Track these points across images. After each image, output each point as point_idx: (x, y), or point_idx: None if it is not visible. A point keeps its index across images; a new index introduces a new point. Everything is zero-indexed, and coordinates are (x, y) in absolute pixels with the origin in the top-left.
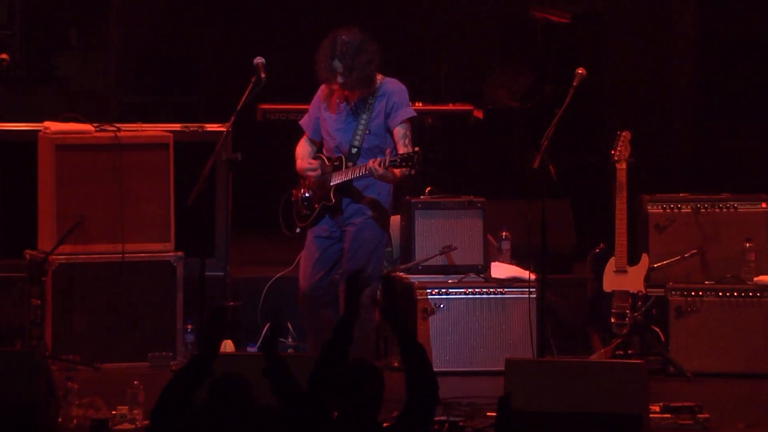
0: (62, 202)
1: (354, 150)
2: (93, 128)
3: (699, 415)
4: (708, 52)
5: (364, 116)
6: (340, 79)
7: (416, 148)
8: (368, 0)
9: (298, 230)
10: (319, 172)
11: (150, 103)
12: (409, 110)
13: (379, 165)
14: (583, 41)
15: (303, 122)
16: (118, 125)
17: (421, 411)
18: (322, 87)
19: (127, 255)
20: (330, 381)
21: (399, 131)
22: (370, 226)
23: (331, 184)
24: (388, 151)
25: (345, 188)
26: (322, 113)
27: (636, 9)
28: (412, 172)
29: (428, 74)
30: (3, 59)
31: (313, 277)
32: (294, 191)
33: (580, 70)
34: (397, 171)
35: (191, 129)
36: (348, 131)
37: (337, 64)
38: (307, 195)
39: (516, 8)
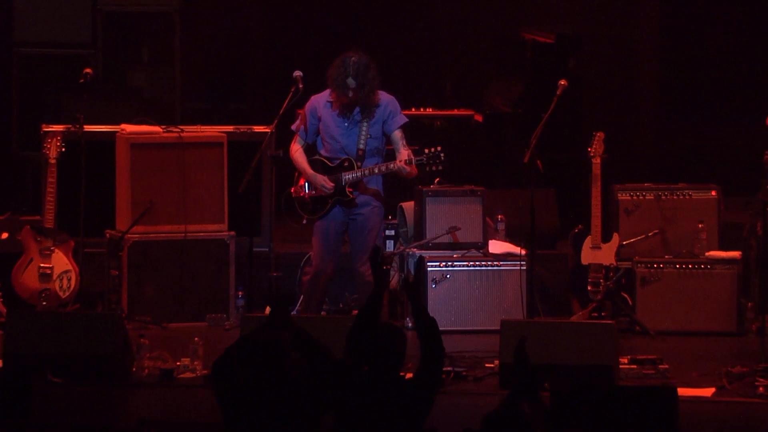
0: (135, 190)
1: (360, 152)
2: (161, 129)
3: (660, 366)
4: (670, 66)
5: (365, 123)
6: (351, 94)
7: (439, 147)
8: (385, 23)
9: (305, 221)
10: (332, 189)
11: (208, 109)
12: (403, 117)
13: (406, 164)
14: (565, 58)
15: (297, 127)
16: (181, 127)
17: (432, 369)
18: (314, 98)
19: (188, 234)
20: (364, 341)
21: (397, 134)
22: (377, 214)
23: (346, 182)
24: (408, 152)
25: (354, 184)
26: (325, 120)
27: (609, 28)
28: (441, 167)
29: (436, 85)
30: (87, 73)
31: (329, 258)
32: (293, 189)
33: (562, 82)
34: (415, 167)
35: (241, 130)
36: (352, 136)
37: (351, 82)
38: (313, 193)
39: (509, 30)
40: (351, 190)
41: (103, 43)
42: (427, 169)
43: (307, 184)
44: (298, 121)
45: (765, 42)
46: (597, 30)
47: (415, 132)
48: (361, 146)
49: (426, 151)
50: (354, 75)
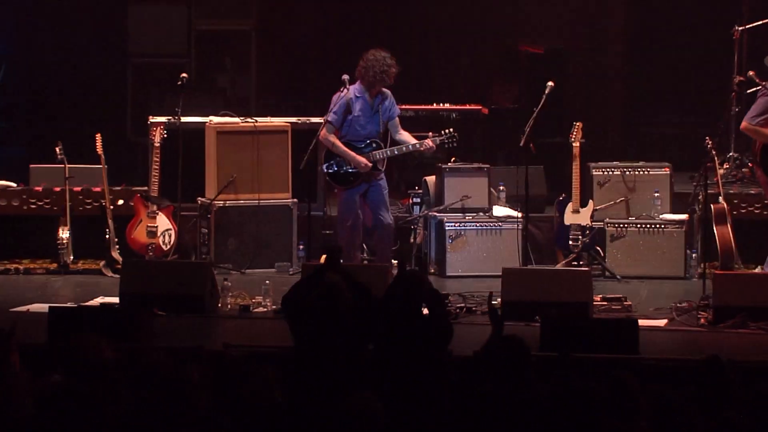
0: (220, 167)
1: (380, 135)
2: (240, 121)
3: (625, 303)
4: (634, 70)
5: (380, 113)
6: (388, 81)
7: (452, 129)
8: (412, 37)
9: (335, 191)
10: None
11: (276, 104)
12: (398, 109)
13: (432, 143)
14: (552, 65)
15: (333, 119)
16: (255, 118)
17: (438, 321)
18: (344, 94)
19: (261, 201)
20: (401, 288)
21: (396, 120)
22: (385, 180)
23: (377, 159)
24: (431, 133)
25: (382, 160)
26: (355, 112)
27: (585, 39)
28: (455, 144)
29: (452, 85)
30: (183, 77)
31: (358, 218)
32: (330, 167)
33: (550, 83)
34: (435, 145)
35: (302, 120)
36: (374, 123)
37: (394, 69)
38: (350, 169)
39: (509, 42)
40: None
41: (196, 54)
42: (446, 146)
43: (335, 163)
44: (331, 114)
45: (708, 54)
46: (576, 41)
47: (435, 121)
48: (381, 130)
49: (443, 132)
50: (392, 65)
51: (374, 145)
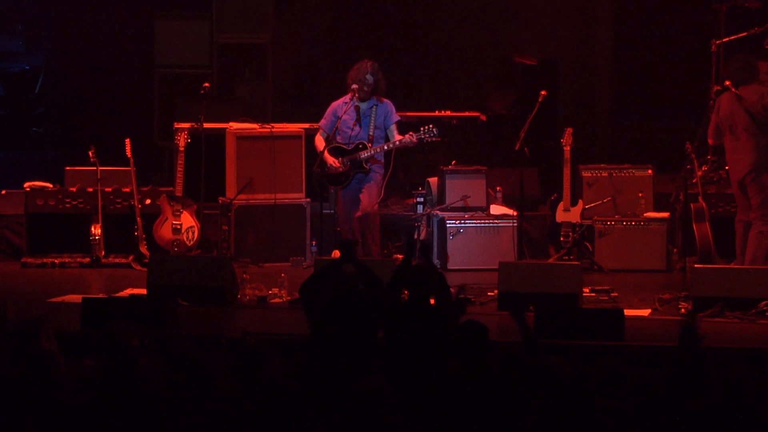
0: (240, 169)
1: (370, 137)
2: (257, 126)
3: (612, 294)
4: (620, 80)
5: (372, 117)
6: (366, 88)
7: (431, 125)
8: (416, 49)
9: (332, 191)
10: (340, 167)
11: (291, 111)
12: (397, 116)
13: (412, 137)
14: (544, 75)
15: (322, 124)
16: (272, 124)
17: (443, 305)
18: (334, 103)
19: (277, 200)
20: (407, 275)
21: (393, 127)
22: (380, 174)
23: (362, 158)
24: (411, 133)
25: (368, 159)
26: (343, 116)
27: (576, 51)
28: (435, 138)
29: (452, 92)
30: (206, 86)
31: (350, 217)
32: (316, 168)
33: (543, 92)
34: (415, 139)
35: (315, 126)
36: (364, 127)
37: (370, 78)
38: (341, 169)
39: (505, 53)
40: (366, 164)
41: (217, 64)
42: (425, 140)
43: (327, 162)
44: (323, 120)
45: (687, 64)
46: (567, 52)
47: (437, 126)
48: (371, 132)
49: (422, 128)
50: (372, 73)
51: (360, 146)
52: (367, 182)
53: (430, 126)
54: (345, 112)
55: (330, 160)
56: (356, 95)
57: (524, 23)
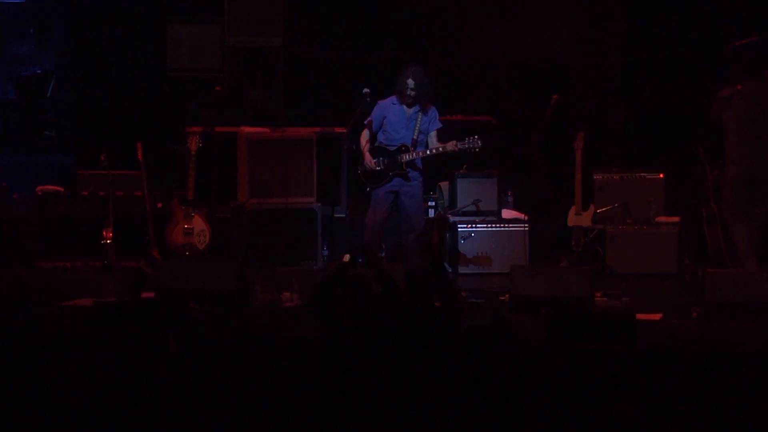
0: (251, 173)
1: (413, 141)
2: (269, 130)
3: (623, 298)
4: (630, 85)
5: (417, 122)
6: (409, 92)
7: (476, 135)
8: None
9: (368, 189)
10: (375, 167)
11: (302, 115)
12: (440, 123)
13: (455, 147)
14: (556, 79)
15: (369, 122)
16: (283, 128)
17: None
18: (381, 102)
19: (288, 204)
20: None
21: (434, 133)
22: (420, 187)
23: (403, 160)
24: (454, 141)
25: (410, 162)
26: (389, 116)
27: (586, 57)
28: (478, 150)
29: (464, 96)
30: (218, 90)
31: (383, 216)
32: (359, 167)
33: (554, 96)
34: (457, 147)
35: (326, 130)
36: (409, 129)
37: (411, 83)
38: (378, 169)
39: (517, 59)
40: (406, 167)
41: (229, 68)
42: (469, 150)
43: (367, 161)
44: (369, 118)
45: (696, 66)
46: (580, 57)
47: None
48: (415, 136)
49: (467, 138)
50: (413, 78)
51: (403, 149)
52: (411, 197)
53: (475, 137)
54: (392, 113)
55: (368, 158)
56: (403, 99)
57: (537, 26)
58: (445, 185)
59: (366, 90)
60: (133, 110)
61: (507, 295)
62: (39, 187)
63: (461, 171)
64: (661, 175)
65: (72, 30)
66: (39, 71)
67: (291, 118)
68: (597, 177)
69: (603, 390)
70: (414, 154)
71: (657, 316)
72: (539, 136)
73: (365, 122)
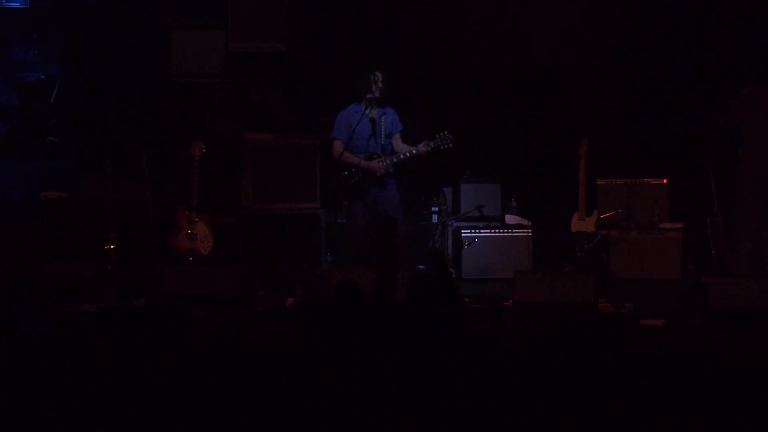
0: (255, 178)
1: (382, 147)
2: (273, 136)
3: (626, 304)
4: (630, 91)
5: (382, 125)
6: (380, 85)
7: (446, 131)
8: (431, 56)
9: (344, 203)
10: (383, 167)
11: (306, 121)
12: (401, 124)
13: (428, 147)
14: (558, 84)
15: (338, 133)
16: (288, 134)
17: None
18: (343, 113)
19: (292, 209)
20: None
21: (399, 135)
22: (396, 190)
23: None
24: (425, 142)
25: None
26: (354, 125)
27: (585, 60)
28: (451, 146)
29: (463, 101)
30: (221, 96)
31: (363, 231)
32: (332, 182)
33: (556, 101)
34: (430, 148)
35: (330, 136)
36: (378, 135)
37: (378, 75)
38: (356, 180)
39: (518, 62)
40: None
41: (230, 73)
42: (442, 148)
43: (372, 170)
44: (333, 133)
45: (699, 69)
46: (581, 61)
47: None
48: (383, 142)
49: (437, 135)
50: (380, 72)
51: (374, 156)
52: (390, 200)
53: (445, 132)
54: (356, 121)
55: (375, 164)
56: (369, 106)
57: (537, 30)
58: (448, 190)
59: (368, 95)
60: (137, 116)
61: (510, 301)
62: (42, 193)
63: (465, 176)
64: (665, 181)
65: (75, 36)
66: (42, 77)
67: (294, 124)
68: (601, 182)
69: (605, 395)
70: (388, 160)
71: (660, 322)
72: (542, 142)
73: (334, 136)
